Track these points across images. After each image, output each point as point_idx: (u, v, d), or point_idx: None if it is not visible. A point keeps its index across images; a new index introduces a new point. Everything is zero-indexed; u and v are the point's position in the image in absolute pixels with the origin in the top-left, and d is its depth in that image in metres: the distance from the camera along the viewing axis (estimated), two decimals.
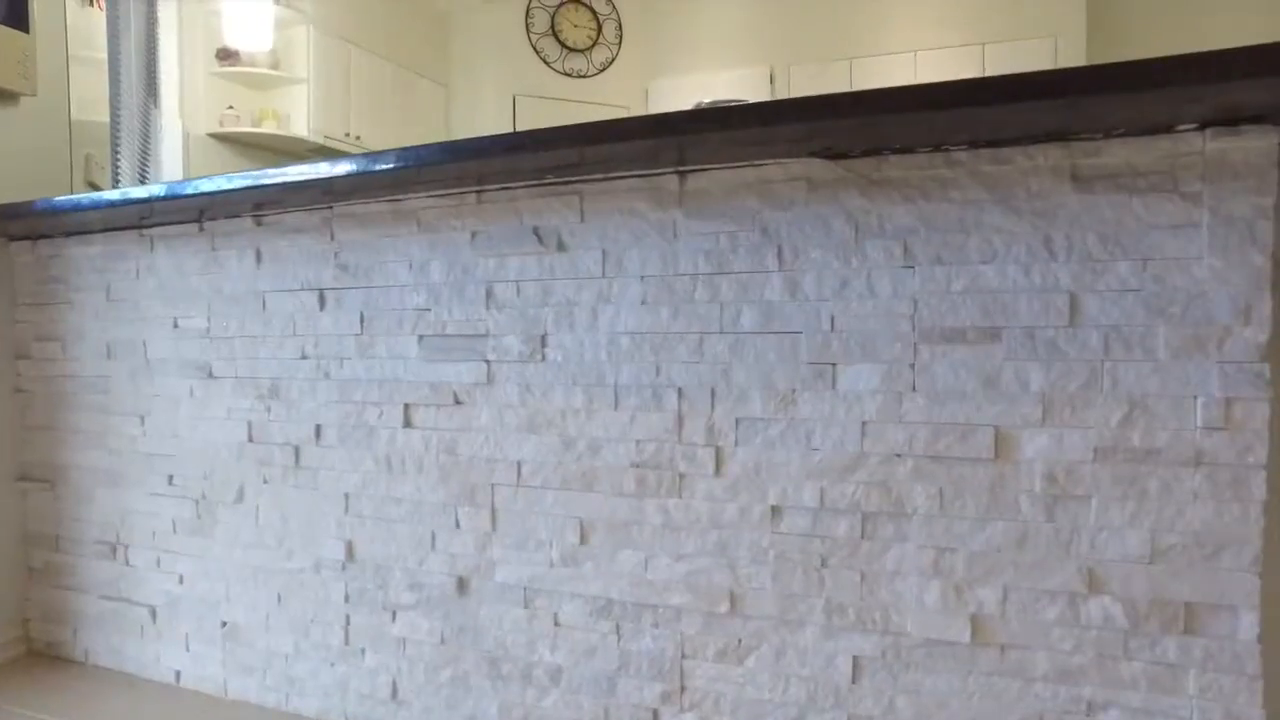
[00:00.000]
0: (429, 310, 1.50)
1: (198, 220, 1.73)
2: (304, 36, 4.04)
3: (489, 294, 1.44)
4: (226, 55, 3.81)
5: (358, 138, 4.33)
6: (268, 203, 1.55)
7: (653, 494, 1.34)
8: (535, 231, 1.39)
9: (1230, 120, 1.02)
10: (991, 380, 1.14)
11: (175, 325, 1.78)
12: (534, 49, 5.01)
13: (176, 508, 1.79)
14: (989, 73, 4.49)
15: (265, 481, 1.69)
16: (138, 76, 3.45)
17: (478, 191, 1.43)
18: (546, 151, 1.16)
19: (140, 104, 3.49)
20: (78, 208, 1.61)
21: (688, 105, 5.08)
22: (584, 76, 5.12)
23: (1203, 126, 1.04)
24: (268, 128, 3.99)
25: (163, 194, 1.51)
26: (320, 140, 4.10)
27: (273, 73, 3.95)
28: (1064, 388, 1.11)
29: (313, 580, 1.65)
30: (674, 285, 1.30)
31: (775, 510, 1.26)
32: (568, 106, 5.09)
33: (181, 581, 1.80)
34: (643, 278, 1.32)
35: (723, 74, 5.04)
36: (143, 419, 1.82)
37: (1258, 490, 1.04)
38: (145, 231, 1.80)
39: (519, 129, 4.98)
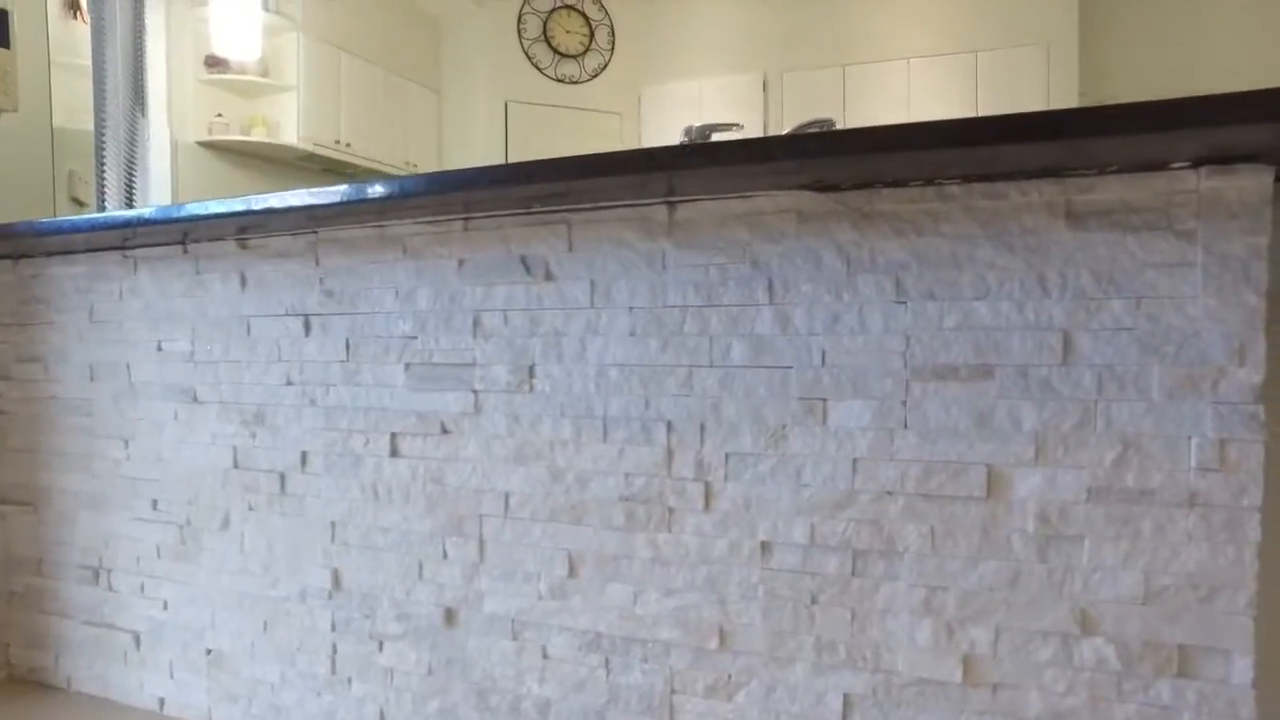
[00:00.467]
0: (415, 338, 1.47)
1: (181, 242, 1.70)
2: (293, 43, 4.01)
3: (476, 323, 1.42)
4: (215, 63, 3.78)
5: (348, 145, 4.30)
6: (252, 226, 1.53)
7: (642, 528, 1.32)
8: (523, 260, 1.38)
9: (1225, 159, 1.01)
10: (984, 418, 1.13)
11: (159, 348, 1.75)
12: (526, 55, 4.99)
13: (161, 533, 1.77)
14: (982, 79, 4.49)
15: (251, 508, 1.66)
16: (124, 85, 3.41)
17: (464, 219, 1.41)
18: (534, 184, 1.14)
19: (127, 112, 3.45)
20: (59, 230, 1.59)
21: (681, 112, 5.07)
22: (576, 82, 5.09)
23: (1197, 164, 1.03)
24: (257, 135, 3.96)
25: (145, 218, 1.48)
26: (310, 148, 4.07)
27: (262, 80, 3.92)
28: (1057, 426, 1.10)
29: (299, 608, 1.63)
30: (663, 317, 1.29)
31: (765, 546, 1.25)
32: (560, 113, 5.07)
33: (166, 607, 1.77)
34: (631, 309, 1.30)
35: (716, 80, 5.03)
36: (126, 442, 1.80)
37: (1252, 533, 1.02)
38: (129, 253, 1.78)
39: (510, 136, 4.95)
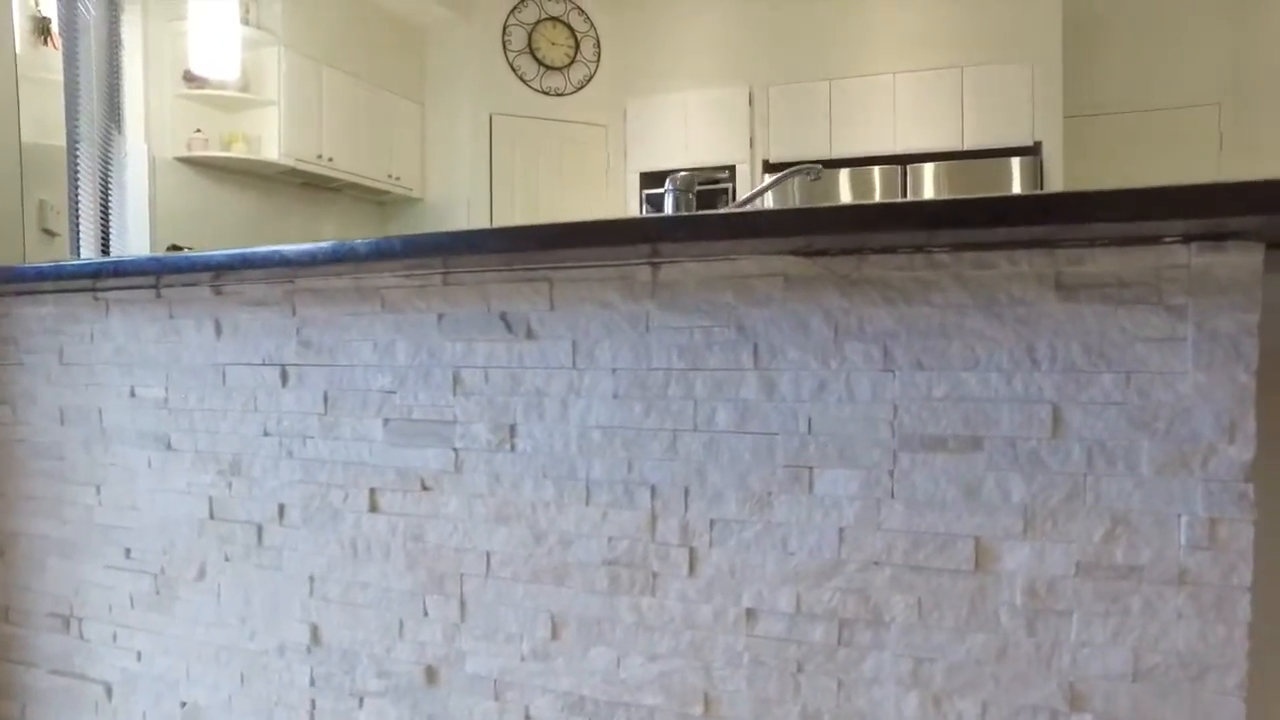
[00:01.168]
0: (394, 393, 1.44)
1: (154, 286, 1.66)
2: (274, 57, 3.96)
3: (456, 379, 1.39)
4: (194, 77, 3.72)
5: (330, 159, 4.25)
6: (226, 272, 1.49)
7: (626, 591, 1.30)
8: (503, 318, 1.35)
9: (1215, 235, 1.00)
10: (972, 490, 1.11)
11: (132, 394, 1.71)
12: (511, 67, 4.95)
13: (134, 582, 1.73)
14: (968, 95, 4.49)
15: (227, 559, 1.63)
16: (99, 102, 3.35)
17: (443, 274, 1.38)
18: (514, 253, 1.11)
19: (101, 129, 3.39)
20: (23, 277, 1.55)
21: (666, 124, 5.04)
22: (561, 94, 5.06)
23: (1188, 240, 1.01)
24: (237, 151, 3.90)
25: (116, 266, 1.45)
26: (292, 163, 4.02)
27: (242, 95, 3.86)
28: (1046, 500, 1.08)
29: (277, 663, 1.59)
30: (646, 380, 1.26)
31: (751, 613, 1.23)
32: (545, 125, 5.03)
33: (139, 658, 1.73)
34: (614, 370, 1.28)
35: (702, 93, 5.01)
36: (98, 488, 1.76)
37: (1242, 612, 1.01)
38: (99, 294, 1.73)
39: (495, 149, 4.91)
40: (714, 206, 4.98)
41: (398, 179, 4.73)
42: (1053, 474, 1.08)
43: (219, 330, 1.61)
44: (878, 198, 4.61)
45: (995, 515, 1.10)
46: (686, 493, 1.25)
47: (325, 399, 1.51)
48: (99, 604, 1.77)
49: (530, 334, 1.33)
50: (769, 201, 4.65)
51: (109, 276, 1.44)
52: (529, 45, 4.98)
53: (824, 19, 4.80)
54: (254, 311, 1.57)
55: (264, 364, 1.57)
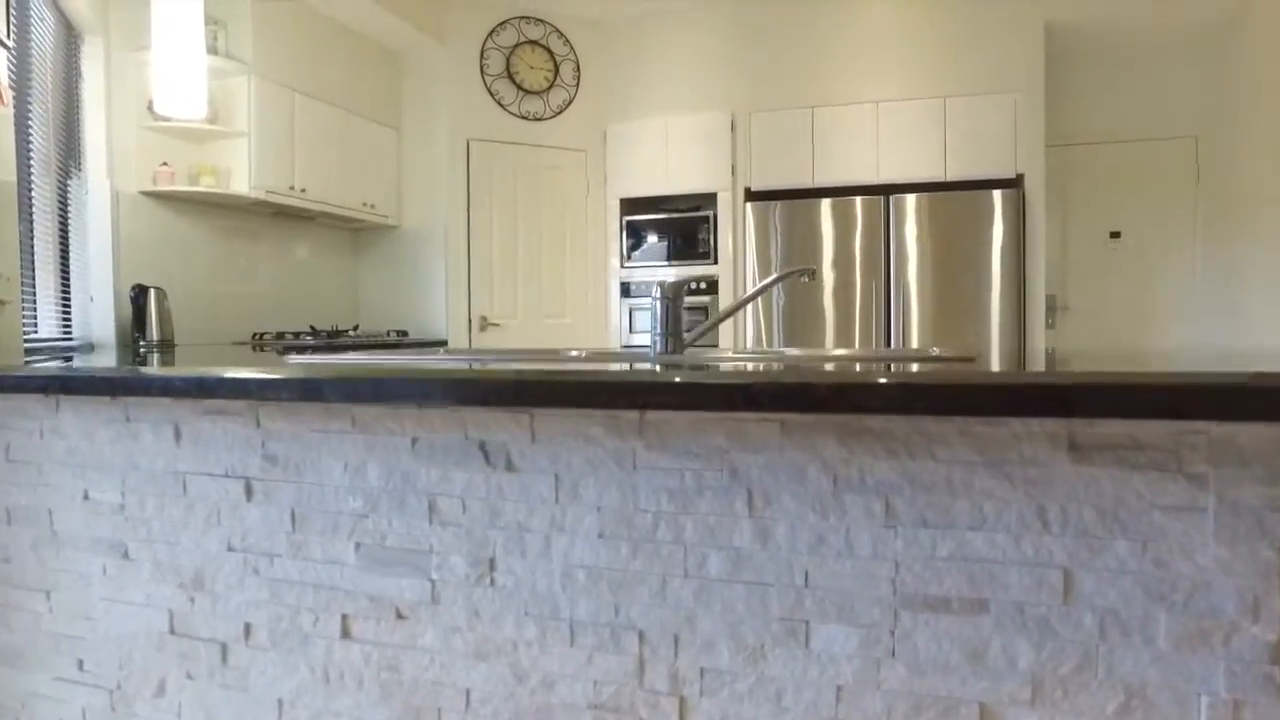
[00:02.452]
0: (367, 517, 1.36)
1: (109, 391, 1.56)
2: (244, 86, 3.83)
3: (432, 507, 1.31)
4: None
5: (303, 190, 4.13)
6: (183, 397, 1.40)
7: None
8: (482, 448, 1.27)
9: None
10: (978, 654, 1.05)
11: (85, 497, 1.61)
12: (489, 91, 4.84)
13: (88, 696, 1.63)
14: (950, 125, 4.45)
15: (189, 677, 1.54)
16: (55, 140, 3.22)
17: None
18: (495, 406, 1.03)
19: (58, 169, 3.26)
20: None
21: (647, 150, 4.95)
22: (540, 119, 4.97)
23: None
24: (205, 185, 3.77)
25: (70, 377, 1.35)
26: (262, 196, 3.89)
27: (210, 127, 3.73)
28: (1055, 668, 1.03)
29: None
30: (634, 521, 1.19)
31: None
32: (523, 150, 4.94)
33: None
34: (599, 509, 1.21)
35: (683, 118, 4.93)
36: (48, 594, 1.66)
37: None
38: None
39: (472, 174, 4.81)
40: (694, 237, 4.92)
41: (372, 207, 4.62)
42: (1063, 641, 1.02)
43: (178, 437, 1.52)
44: (860, 229, 4.56)
45: (1001, 681, 1.05)
46: (676, 640, 1.18)
47: (293, 517, 1.43)
48: (48, 718, 1.67)
49: (510, 466, 1.26)
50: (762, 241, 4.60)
51: (57, 391, 1.35)
52: (507, 69, 4.88)
53: (807, 46, 4.74)
54: (215, 420, 1.48)
55: (227, 476, 1.48)
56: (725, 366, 1.20)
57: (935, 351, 1.60)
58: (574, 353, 1.84)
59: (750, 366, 1.21)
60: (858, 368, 1.11)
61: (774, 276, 1.45)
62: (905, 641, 1.08)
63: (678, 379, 0.95)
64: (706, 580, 1.16)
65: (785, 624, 1.13)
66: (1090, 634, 1.01)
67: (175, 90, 2.99)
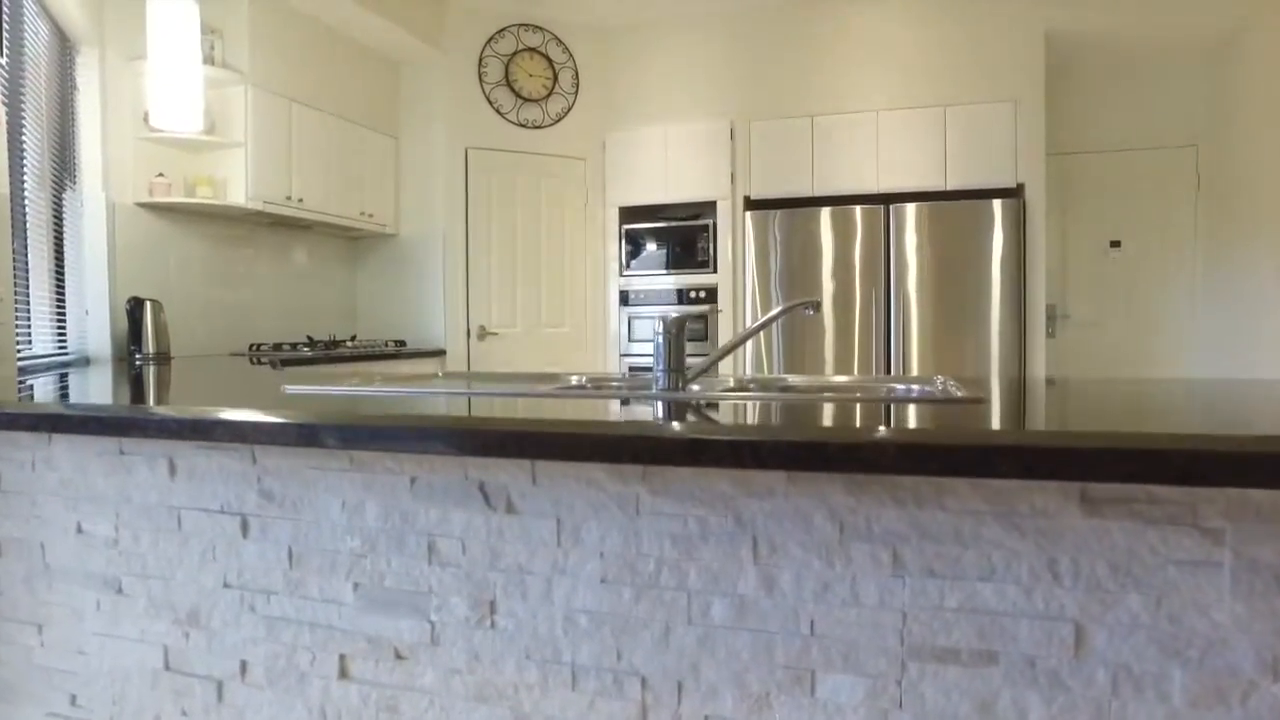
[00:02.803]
0: (365, 557, 1.34)
1: (100, 431, 1.54)
2: (241, 97, 3.80)
3: (431, 548, 1.29)
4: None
5: (300, 200, 4.10)
6: (176, 440, 1.38)
7: None
8: (482, 489, 1.25)
9: None
10: (987, 706, 1.04)
11: (79, 529, 1.59)
12: (487, 99, 4.82)
13: None
14: (950, 132, 4.43)
15: (184, 714, 1.52)
16: (49, 154, 3.19)
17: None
18: (497, 457, 1.01)
19: (52, 181, 3.23)
20: None
21: (646, 157, 4.93)
22: (539, 127, 4.94)
23: None
24: (202, 195, 3.74)
25: (64, 415, 1.33)
26: (259, 206, 3.87)
27: (207, 138, 3.70)
28: None
29: None
30: (636, 566, 1.17)
31: None
32: (522, 158, 4.91)
33: None
34: (602, 554, 1.19)
35: (682, 126, 4.91)
36: (40, 628, 1.64)
37: None
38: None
39: (470, 183, 4.79)
40: (693, 245, 4.90)
41: (371, 216, 4.59)
42: (1074, 696, 1.00)
43: (173, 471, 1.49)
44: (860, 238, 4.55)
45: None
46: (680, 686, 1.16)
47: (290, 554, 1.40)
48: None
49: (511, 508, 1.24)
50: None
51: (48, 429, 1.32)
52: (506, 77, 4.85)
53: (806, 55, 4.72)
54: (210, 455, 1.46)
55: (223, 511, 1.45)
56: (728, 405, 1.18)
57: (941, 382, 1.58)
58: (574, 379, 1.82)
59: (753, 406, 1.19)
60: (857, 411, 1.09)
61: (778, 310, 1.43)
62: (913, 692, 1.06)
63: (683, 433, 0.93)
64: (711, 627, 1.14)
65: (790, 672, 1.11)
66: (1103, 690, 1.00)
67: (171, 103, 2.96)
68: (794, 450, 0.88)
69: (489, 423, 1.03)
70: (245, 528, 1.44)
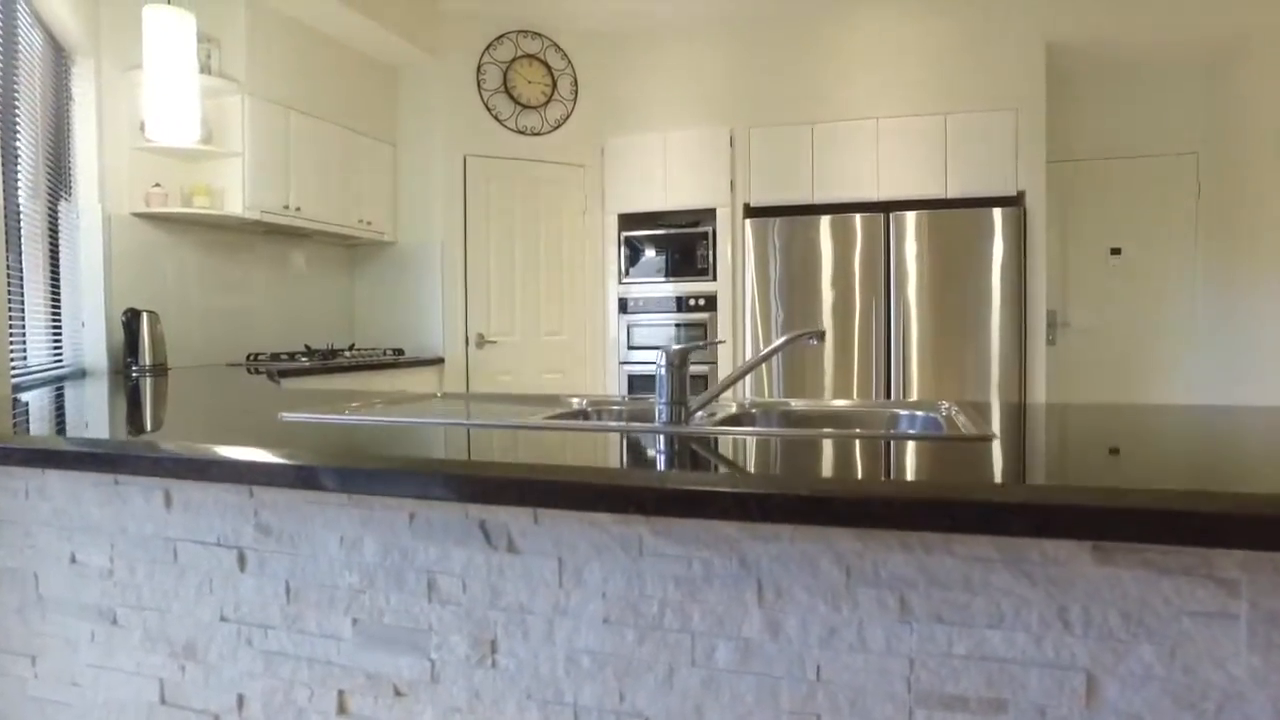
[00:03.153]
0: (364, 593, 1.32)
1: (94, 467, 1.52)
2: (237, 106, 3.78)
3: (431, 585, 1.27)
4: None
5: (298, 209, 4.08)
6: (172, 480, 1.36)
7: None
8: (482, 527, 1.23)
9: None
10: None
11: (73, 560, 1.57)
12: (486, 106, 4.79)
13: None
14: (951, 140, 4.41)
15: None
16: (43, 167, 3.16)
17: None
18: (498, 504, 0.99)
19: (48, 193, 3.20)
20: None
21: (645, 164, 4.91)
22: (538, 134, 4.92)
23: None
24: (199, 205, 3.72)
25: (60, 450, 1.31)
26: (257, 216, 3.84)
27: (204, 147, 3.68)
28: None
29: None
30: (640, 607, 1.15)
31: None
32: (520, 165, 4.89)
33: None
34: (604, 595, 1.17)
35: (682, 132, 4.89)
36: (34, 660, 1.62)
37: None
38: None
39: (469, 190, 4.76)
40: (693, 253, 4.88)
41: (369, 224, 4.57)
42: None
43: (169, 502, 1.47)
44: (860, 246, 4.53)
45: None
46: None
47: (288, 589, 1.38)
48: None
49: (512, 547, 1.22)
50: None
51: (40, 464, 1.30)
52: (504, 83, 4.82)
53: (806, 61, 4.70)
54: (206, 487, 1.44)
55: (219, 544, 1.44)
56: (729, 441, 1.16)
57: (945, 409, 1.57)
58: (575, 401, 1.80)
59: (755, 444, 1.17)
60: (861, 452, 1.07)
61: (782, 340, 1.41)
62: None
63: (688, 486, 0.91)
64: (715, 670, 1.13)
65: (796, 717, 1.09)
66: None
67: (167, 115, 2.94)
68: (800, 504, 0.86)
69: (488, 468, 1.01)
70: (242, 561, 1.42)
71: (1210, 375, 4.91)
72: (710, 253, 4.85)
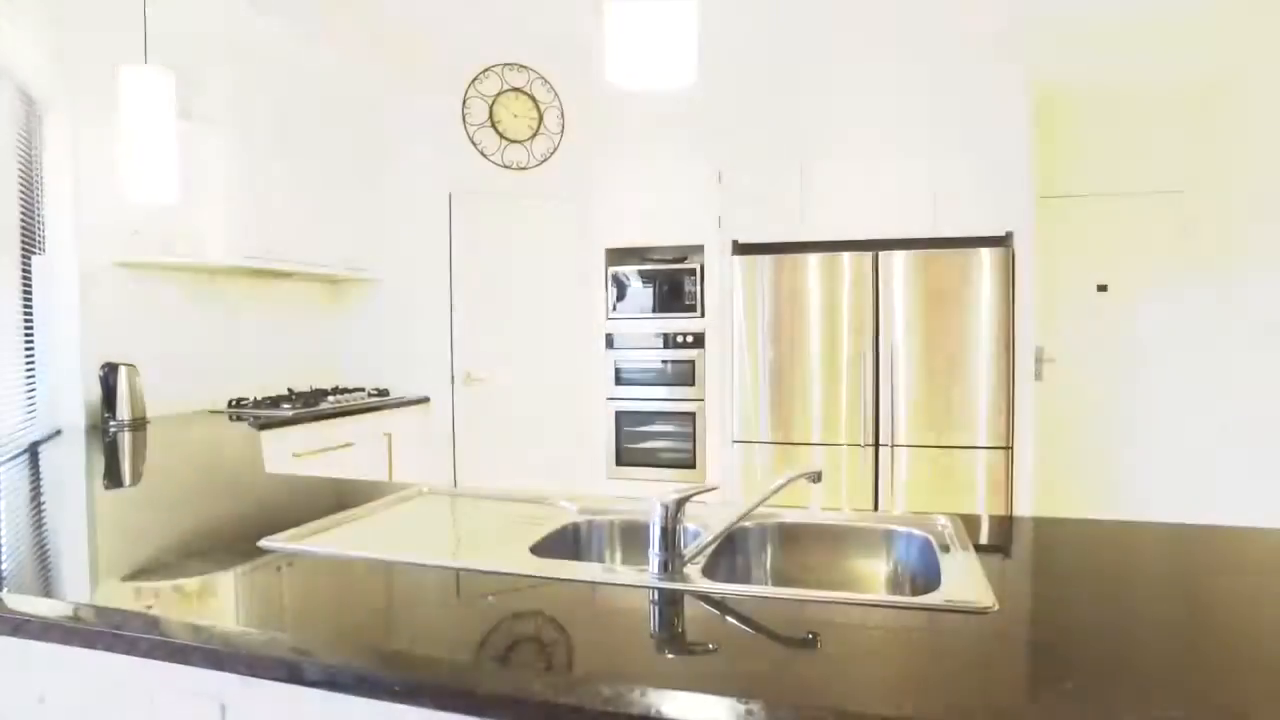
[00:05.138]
0: None
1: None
2: (218, 150, 3.71)
3: None
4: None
5: (281, 251, 4.02)
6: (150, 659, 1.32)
7: None
8: None
9: None
10: None
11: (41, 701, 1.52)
12: (471, 141, 4.75)
13: None
14: (938, 183, 4.41)
15: None
16: (17, 217, 3.09)
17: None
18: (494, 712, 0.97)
19: (21, 247, 3.13)
20: None
21: (633, 198, 4.88)
22: (524, 169, 4.87)
23: None
24: (180, 253, 3.66)
25: (41, 614, 1.27)
26: (239, 261, 3.78)
27: (184, 193, 3.60)
28: None
29: None
30: None
31: None
32: (506, 200, 4.85)
33: None
34: None
35: (669, 169, 4.87)
36: None
37: None
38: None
39: (455, 227, 4.72)
40: (680, 289, 4.86)
41: (353, 263, 4.51)
42: None
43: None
44: (848, 284, 4.52)
45: None
46: None
47: None
48: None
49: None
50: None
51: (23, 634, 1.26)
52: (490, 118, 4.77)
53: (795, 99, 4.68)
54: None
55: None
56: (723, 596, 1.14)
57: (941, 526, 1.55)
58: (564, 504, 1.78)
59: (752, 608, 1.14)
60: (843, 621, 1.05)
61: (779, 483, 1.39)
62: None
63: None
64: None
65: None
66: None
67: (146, 175, 2.88)
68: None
69: (483, 688, 0.98)
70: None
71: (1196, 412, 4.95)
72: (698, 289, 4.83)
